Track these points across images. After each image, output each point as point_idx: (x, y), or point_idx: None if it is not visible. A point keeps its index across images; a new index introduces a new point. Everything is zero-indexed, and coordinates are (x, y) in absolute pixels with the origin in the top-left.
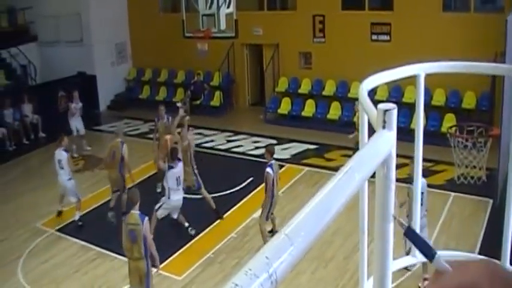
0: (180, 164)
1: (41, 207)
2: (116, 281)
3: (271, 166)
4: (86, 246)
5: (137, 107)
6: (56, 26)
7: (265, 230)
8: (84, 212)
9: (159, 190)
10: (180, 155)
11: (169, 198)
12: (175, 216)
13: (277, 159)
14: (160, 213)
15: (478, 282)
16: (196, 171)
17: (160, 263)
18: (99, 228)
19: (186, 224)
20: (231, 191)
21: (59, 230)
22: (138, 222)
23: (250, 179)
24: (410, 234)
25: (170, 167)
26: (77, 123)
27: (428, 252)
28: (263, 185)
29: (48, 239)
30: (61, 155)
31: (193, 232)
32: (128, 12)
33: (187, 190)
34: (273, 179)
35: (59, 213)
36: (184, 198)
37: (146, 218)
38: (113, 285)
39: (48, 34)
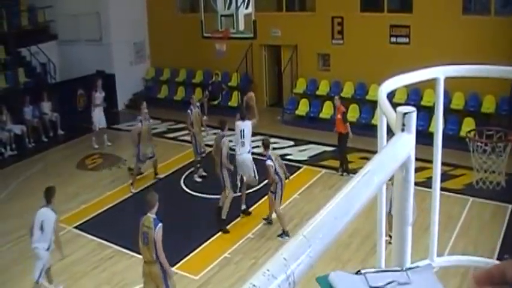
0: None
1: (59, 204)
2: (132, 279)
3: (270, 158)
4: (104, 244)
5: (155, 106)
6: (75, 25)
7: (283, 214)
8: (102, 209)
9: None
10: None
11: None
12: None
13: (294, 161)
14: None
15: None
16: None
17: (177, 262)
18: (116, 226)
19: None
20: (250, 191)
21: (77, 227)
22: (151, 226)
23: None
24: None
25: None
26: (99, 116)
27: None
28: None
29: (67, 235)
30: (46, 215)
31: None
32: (147, 11)
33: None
34: (275, 168)
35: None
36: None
37: (160, 225)
38: (130, 282)
39: (67, 33)
